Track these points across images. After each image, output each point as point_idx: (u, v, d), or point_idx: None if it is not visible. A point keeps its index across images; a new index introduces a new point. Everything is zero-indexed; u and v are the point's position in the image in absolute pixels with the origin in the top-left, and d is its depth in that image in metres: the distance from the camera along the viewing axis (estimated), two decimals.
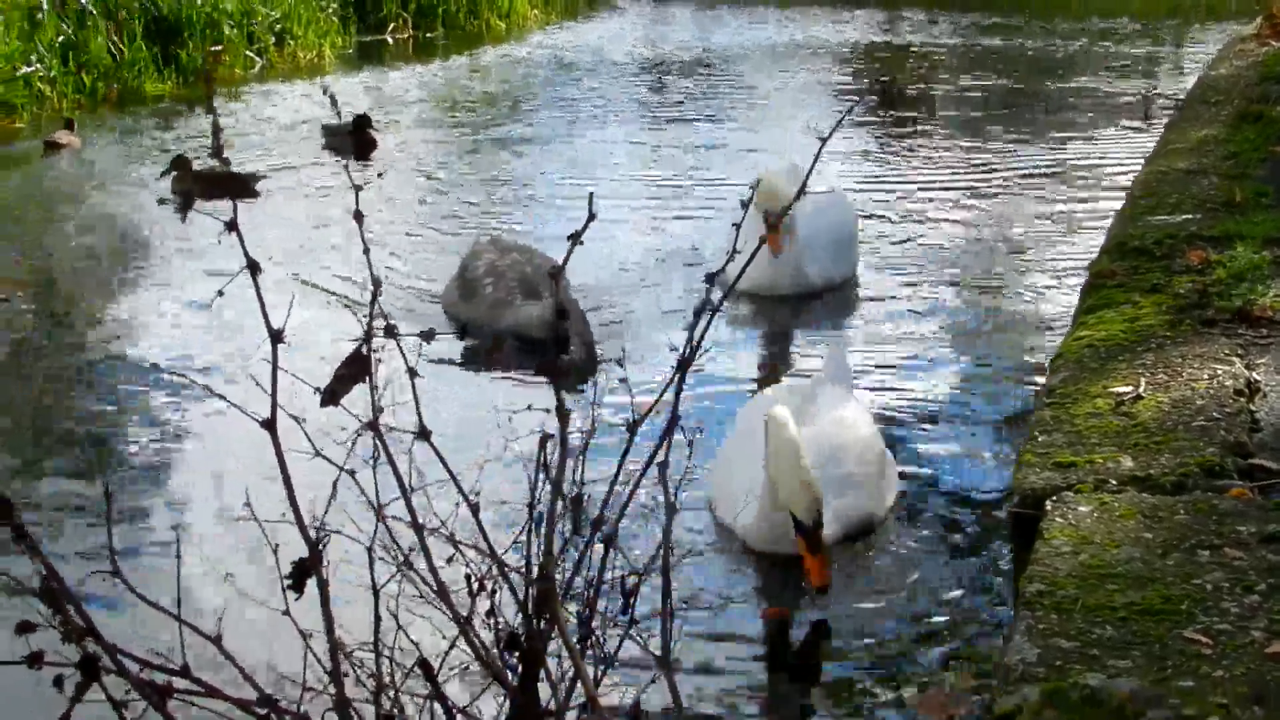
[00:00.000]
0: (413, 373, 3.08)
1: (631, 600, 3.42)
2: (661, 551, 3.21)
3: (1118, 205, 7.06)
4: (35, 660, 2.74)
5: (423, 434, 3.15)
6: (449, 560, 3.31)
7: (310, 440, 3.12)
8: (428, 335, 3.05)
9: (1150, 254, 5.70)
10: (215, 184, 10.42)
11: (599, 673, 3.37)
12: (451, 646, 3.31)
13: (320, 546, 3.08)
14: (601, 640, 3.40)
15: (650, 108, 15.53)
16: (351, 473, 3.14)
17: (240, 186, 11.12)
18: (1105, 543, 3.27)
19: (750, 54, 19.61)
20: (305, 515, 3.02)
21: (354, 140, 12.38)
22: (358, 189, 3.11)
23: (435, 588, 3.20)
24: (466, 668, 3.42)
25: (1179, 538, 3.27)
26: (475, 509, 3.23)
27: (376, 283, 3.16)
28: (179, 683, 2.87)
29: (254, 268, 2.99)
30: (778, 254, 7.58)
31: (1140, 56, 18.62)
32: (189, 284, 8.53)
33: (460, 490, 3.22)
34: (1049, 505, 3.52)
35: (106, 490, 4.16)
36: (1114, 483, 3.62)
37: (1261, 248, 5.47)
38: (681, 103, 15.66)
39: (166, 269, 9.02)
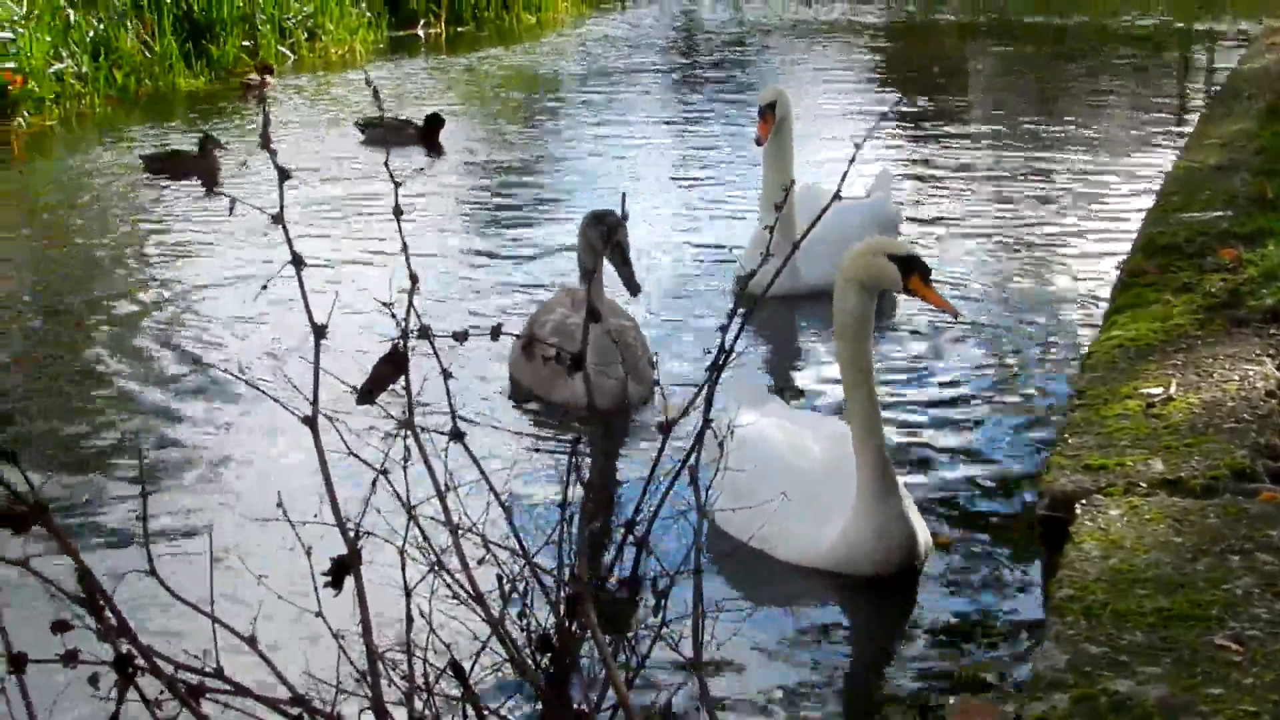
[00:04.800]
0: (446, 374, 3.10)
1: (663, 602, 3.43)
2: (693, 553, 3.23)
3: (1149, 201, 7.05)
4: (70, 659, 2.77)
5: (456, 435, 3.16)
6: (480, 561, 3.33)
7: (344, 440, 3.14)
8: (461, 336, 3.07)
9: (1181, 251, 5.70)
10: (183, 165, 10.31)
11: (630, 674, 3.38)
12: (483, 648, 3.33)
13: (358, 545, 3.11)
14: (633, 642, 3.42)
15: (684, 99, 15.54)
16: (385, 473, 3.15)
17: (204, 167, 11.02)
18: (1135, 547, 3.27)
19: (786, 38, 19.60)
20: (341, 513, 3.04)
21: (424, 138, 12.52)
22: (397, 184, 3.12)
23: (468, 588, 3.22)
24: (498, 668, 3.43)
25: (1209, 542, 3.27)
26: (508, 510, 3.25)
27: (414, 279, 3.18)
28: (212, 682, 2.89)
29: (299, 263, 3.00)
30: (759, 143, 7.76)
31: (1174, 48, 18.56)
32: (226, 275, 8.60)
33: (493, 491, 3.24)
34: (1079, 509, 3.53)
35: (143, 489, 4.16)
36: (1144, 486, 3.63)
37: None
38: (716, 92, 15.68)
39: (202, 262, 9.08)
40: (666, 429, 3.20)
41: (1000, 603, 4.81)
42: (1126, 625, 2.93)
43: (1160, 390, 4.27)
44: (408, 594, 3.22)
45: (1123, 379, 4.46)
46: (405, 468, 3.18)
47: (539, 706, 3.49)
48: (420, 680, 3.20)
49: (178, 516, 5.43)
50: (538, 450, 6.04)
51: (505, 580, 3.40)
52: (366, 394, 3.29)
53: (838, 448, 5.03)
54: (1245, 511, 3.42)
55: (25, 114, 14.02)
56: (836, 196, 3.25)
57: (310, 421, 3.02)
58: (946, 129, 13.19)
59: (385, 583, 3.26)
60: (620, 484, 5.75)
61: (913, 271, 4.57)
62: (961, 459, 5.98)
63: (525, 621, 3.40)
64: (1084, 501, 3.57)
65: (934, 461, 5.89)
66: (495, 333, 3.26)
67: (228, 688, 2.92)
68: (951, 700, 4.47)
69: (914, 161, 11.81)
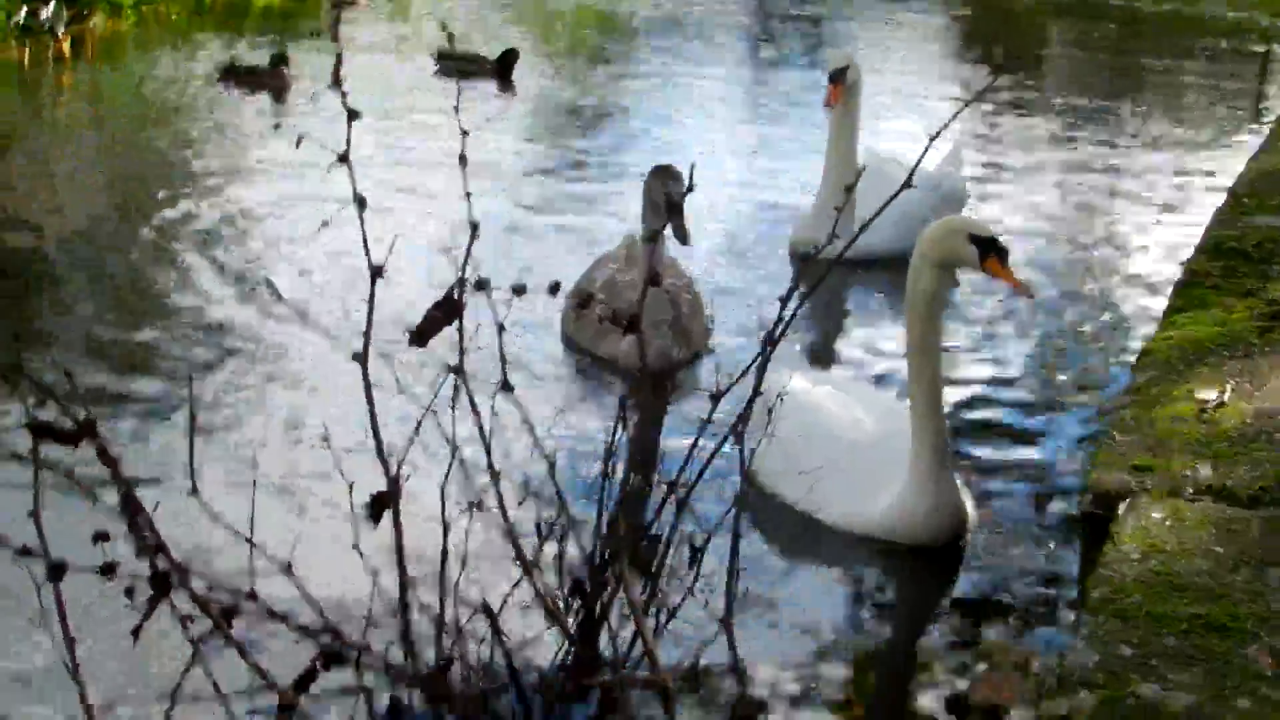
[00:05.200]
0: (501, 327, 3.10)
1: (699, 557, 3.45)
2: (733, 512, 3.24)
3: (1219, 199, 6.97)
4: (109, 570, 2.80)
5: (505, 386, 3.17)
6: (520, 503, 3.35)
7: (395, 379, 3.16)
8: (519, 289, 3.06)
9: (1248, 256, 5.65)
10: (255, 79, 10.32)
11: (660, 625, 3.40)
12: (515, 586, 3.34)
13: (399, 482, 3.12)
14: (664, 595, 3.43)
15: (756, 57, 15.47)
16: (433, 412, 3.16)
17: (275, 83, 11.03)
18: (1175, 551, 3.25)
19: (865, 3, 19.47)
20: (384, 449, 3.05)
21: (498, 73, 12.52)
22: (465, 133, 3.12)
23: (505, 529, 3.23)
24: (528, 611, 3.45)
25: (1250, 554, 3.25)
26: (550, 459, 3.25)
27: (474, 227, 3.18)
28: (245, 605, 2.91)
29: (361, 203, 3.00)
30: (828, 107, 7.67)
31: (1258, 41, 18.33)
32: (286, 200, 8.62)
33: (535, 439, 3.25)
34: (1121, 509, 3.51)
35: (191, 411, 4.20)
36: (1190, 490, 3.61)
37: None
38: (789, 52, 15.60)
39: (265, 185, 9.10)
40: (717, 397, 3.20)
41: (1035, 589, 4.80)
42: (1160, 630, 2.92)
43: (1215, 394, 4.24)
44: (445, 531, 3.24)
45: (1177, 380, 4.43)
46: (454, 409, 3.20)
47: (567, 653, 3.51)
48: (450, 619, 3.23)
49: (220, 439, 5.46)
50: (584, 401, 6.05)
51: (541, 525, 3.43)
52: (419, 336, 3.31)
53: (890, 420, 5.06)
54: None
55: (101, 16, 14.06)
56: (908, 184, 3.23)
57: (361, 358, 3.03)
58: (1019, 109, 13.07)
59: (425, 518, 3.29)
60: (664, 444, 5.76)
61: (991, 252, 4.56)
62: (1009, 440, 5.95)
63: (559, 566, 3.42)
64: (1128, 501, 3.55)
65: (983, 440, 5.87)
66: (554, 289, 3.26)
67: (260, 611, 2.95)
68: (980, 667, 4.50)
69: (985, 139, 11.72)
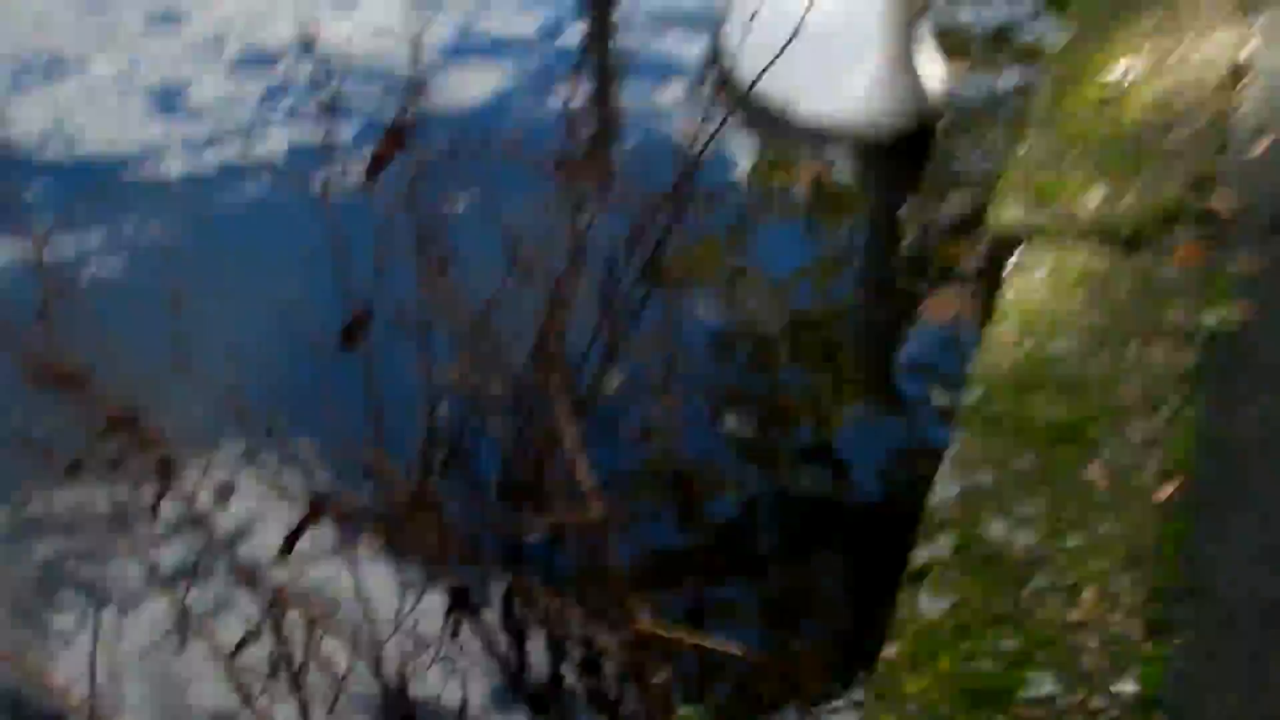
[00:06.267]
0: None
1: None
2: None
3: None
4: None
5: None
6: None
7: None
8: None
9: None
10: None
11: None
12: None
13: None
14: None
15: None
16: None
17: None
18: (1048, 326, 3.61)
19: None
20: None
21: None
22: None
23: None
24: None
25: (1115, 322, 3.59)
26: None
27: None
28: None
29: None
30: None
31: None
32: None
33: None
34: (1010, 263, 3.85)
35: None
36: (1075, 231, 3.91)
37: None
38: None
39: None
40: None
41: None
42: (1019, 445, 3.30)
43: (1123, 69, 4.40)
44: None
45: (1096, 42, 4.56)
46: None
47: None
48: None
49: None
50: None
51: None
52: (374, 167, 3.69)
53: None
54: (1157, 279, 3.71)
55: None
56: None
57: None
58: None
59: None
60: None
61: None
62: None
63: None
64: (1019, 251, 3.88)
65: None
66: None
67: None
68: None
69: None
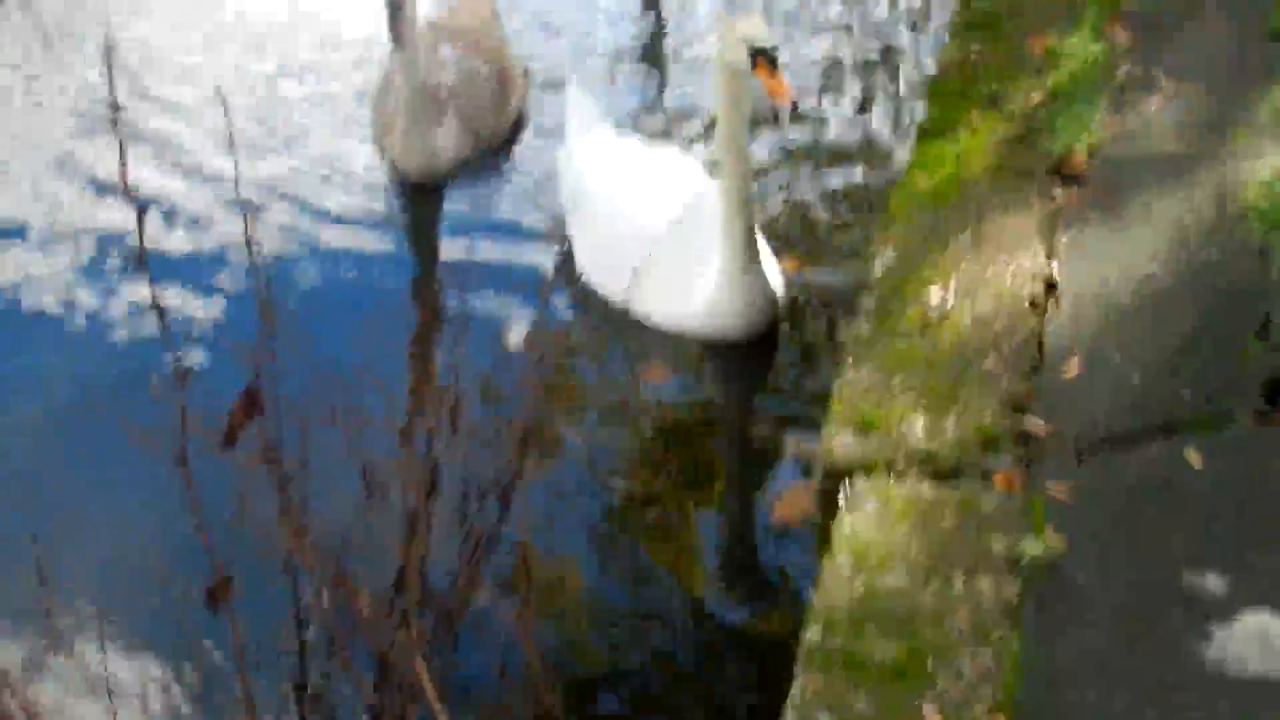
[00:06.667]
0: None
1: None
2: None
3: None
4: None
5: None
6: None
7: None
8: None
9: (996, 30, 5.85)
10: None
11: None
12: None
13: None
14: None
15: None
16: None
17: None
18: (880, 560, 3.80)
19: None
20: None
21: None
22: None
23: None
24: None
25: (942, 554, 3.76)
26: None
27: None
28: None
29: None
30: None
31: None
32: None
33: None
34: (842, 498, 4.04)
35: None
36: (901, 460, 4.10)
37: (1098, 34, 5.63)
38: None
39: None
40: None
41: None
42: (856, 685, 3.47)
43: (939, 294, 4.64)
44: None
45: (914, 265, 4.79)
46: None
47: None
48: None
49: None
50: None
51: None
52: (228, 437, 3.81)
53: (696, 202, 5.57)
54: (978, 508, 3.88)
55: None
56: None
57: None
58: None
59: None
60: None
61: (761, 59, 4.97)
62: None
63: None
64: (850, 484, 4.05)
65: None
66: None
67: None
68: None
69: None
